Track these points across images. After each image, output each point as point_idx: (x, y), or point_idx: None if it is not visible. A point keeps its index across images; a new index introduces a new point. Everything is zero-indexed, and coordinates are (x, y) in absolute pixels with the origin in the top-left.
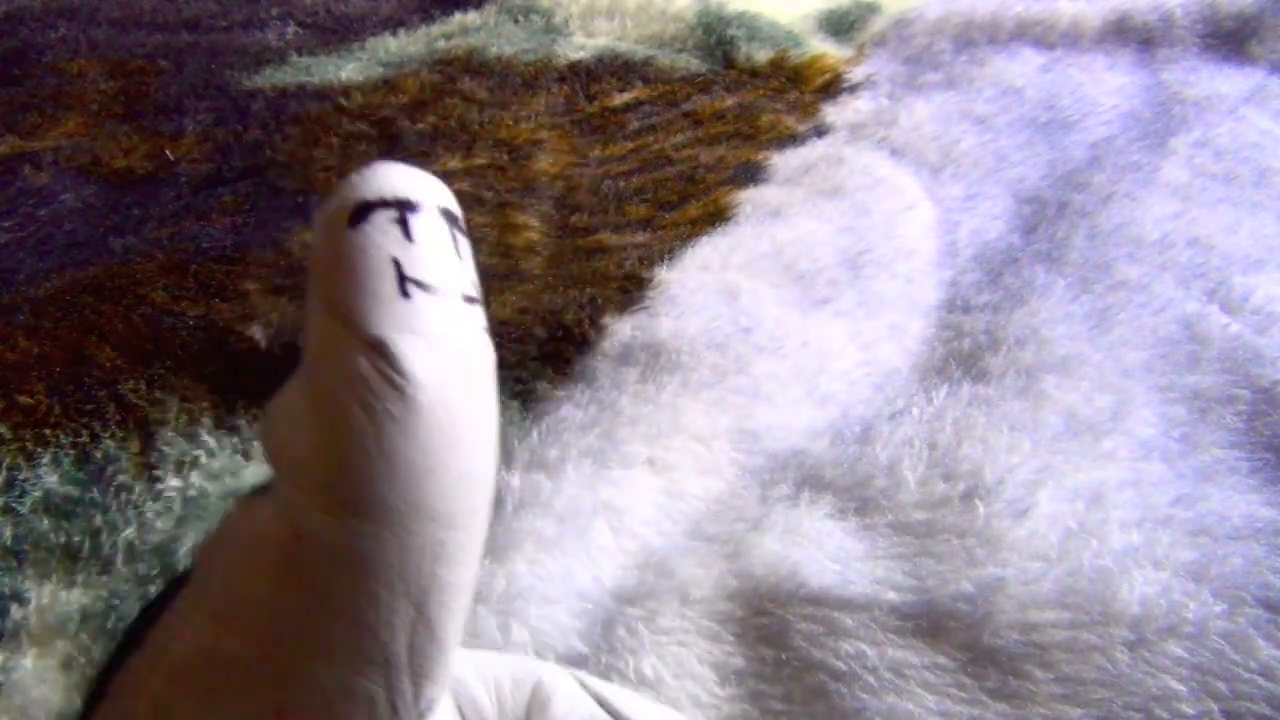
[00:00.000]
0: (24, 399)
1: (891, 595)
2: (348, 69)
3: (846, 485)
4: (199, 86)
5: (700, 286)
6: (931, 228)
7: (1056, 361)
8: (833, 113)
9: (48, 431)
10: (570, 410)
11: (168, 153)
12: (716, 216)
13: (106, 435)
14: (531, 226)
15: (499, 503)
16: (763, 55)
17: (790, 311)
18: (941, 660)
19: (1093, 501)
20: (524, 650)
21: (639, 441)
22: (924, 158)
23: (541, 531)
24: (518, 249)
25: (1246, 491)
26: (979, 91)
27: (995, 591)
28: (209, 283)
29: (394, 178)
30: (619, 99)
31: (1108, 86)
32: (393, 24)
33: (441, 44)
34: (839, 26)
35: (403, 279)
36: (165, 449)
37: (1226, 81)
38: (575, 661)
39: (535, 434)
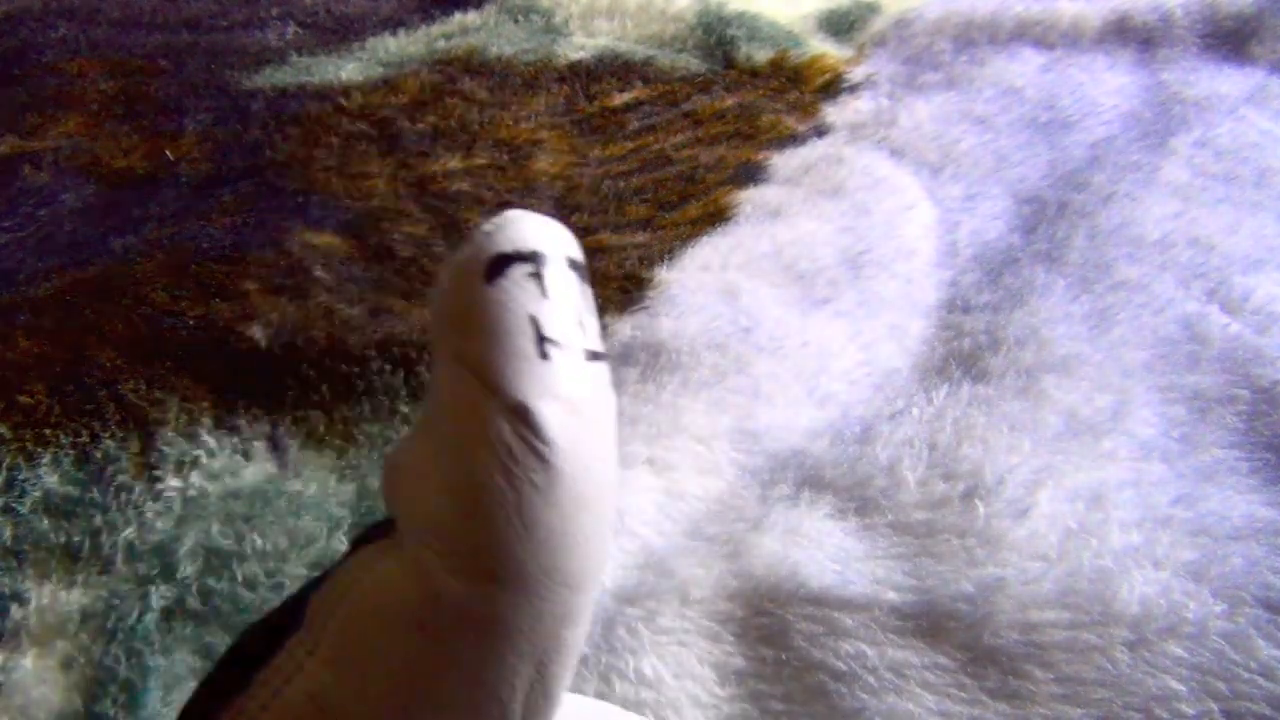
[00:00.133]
0: (24, 399)
1: (891, 595)
2: (348, 69)
3: (846, 485)
4: (199, 86)
5: (700, 286)
6: (931, 228)
7: (1056, 361)
8: (833, 113)
9: (48, 431)
10: None
11: (168, 153)
12: (716, 216)
13: (106, 435)
14: None
15: None
16: (763, 55)
17: (790, 311)
18: (941, 660)
19: (1093, 501)
20: None
21: (639, 441)
22: (924, 158)
23: None
24: None
25: (1246, 491)
26: (979, 91)
27: (995, 591)
28: (209, 283)
29: (527, 229)
30: (619, 99)
31: (1108, 86)
32: (393, 24)
33: (441, 44)
34: (839, 26)
35: (541, 338)
36: (165, 449)
37: (1226, 81)
38: None
39: None
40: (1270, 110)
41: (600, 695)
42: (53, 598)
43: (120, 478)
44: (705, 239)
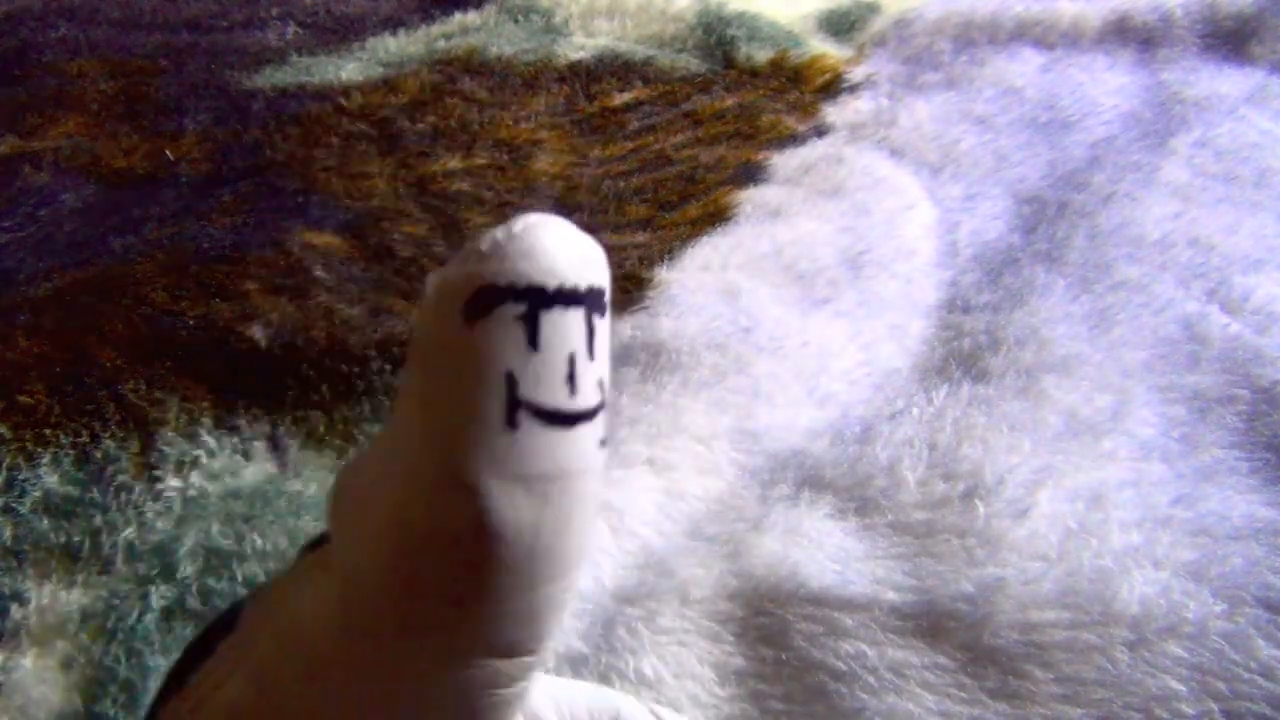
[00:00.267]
0: (24, 399)
1: (891, 595)
2: (348, 69)
3: (846, 485)
4: (199, 86)
5: (700, 286)
6: (931, 228)
7: (1056, 361)
8: (833, 113)
9: (48, 431)
10: None
11: (168, 153)
12: (716, 216)
13: (106, 435)
14: None
15: None
16: (763, 55)
17: (790, 311)
18: (941, 660)
19: (1093, 501)
20: None
21: (639, 441)
22: (924, 158)
23: None
24: None
25: (1246, 491)
26: (979, 91)
27: (995, 591)
28: (209, 283)
29: (535, 251)
30: (619, 99)
31: (1108, 86)
32: (393, 24)
33: (441, 44)
34: (839, 26)
35: (514, 402)
36: (165, 449)
37: (1226, 81)
38: (575, 661)
39: None
40: (1270, 110)
41: None
42: (53, 598)
43: (120, 478)
44: (705, 239)
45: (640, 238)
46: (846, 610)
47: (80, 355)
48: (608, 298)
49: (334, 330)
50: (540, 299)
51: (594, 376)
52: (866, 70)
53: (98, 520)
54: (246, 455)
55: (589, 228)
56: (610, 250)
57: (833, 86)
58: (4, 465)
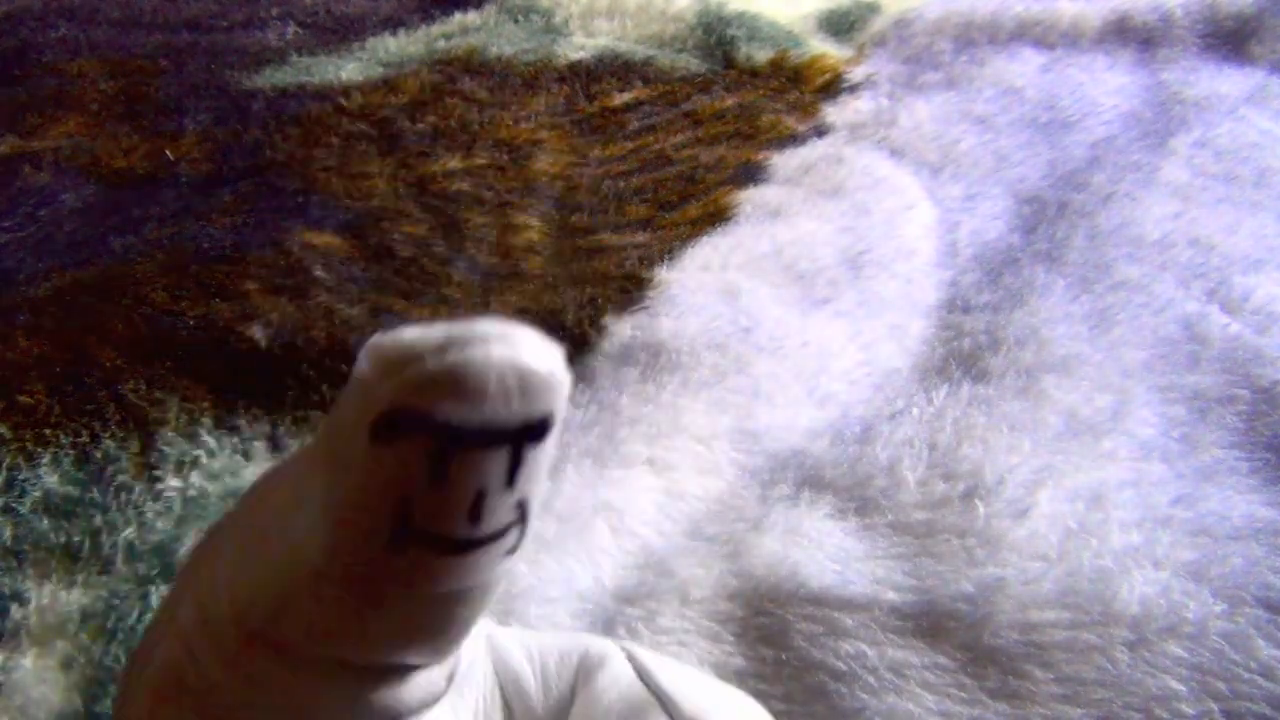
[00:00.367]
0: (24, 399)
1: (891, 595)
2: (348, 69)
3: (846, 485)
4: (199, 86)
5: (700, 286)
6: (931, 228)
7: (1056, 361)
8: (833, 113)
9: (48, 431)
10: (570, 410)
11: (168, 153)
12: (716, 216)
13: (106, 435)
14: (531, 226)
15: None
16: (763, 55)
17: (790, 311)
18: (941, 660)
19: (1093, 501)
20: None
21: (639, 441)
22: (924, 158)
23: (541, 531)
24: (518, 249)
25: (1246, 491)
26: (979, 91)
27: (995, 591)
28: (209, 283)
29: (455, 386)
30: (619, 99)
31: (1108, 86)
32: (393, 24)
33: (441, 44)
34: (839, 26)
35: (403, 530)
36: (165, 449)
37: (1226, 81)
38: None
39: None
40: (1270, 110)
41: None
42: (53, 598)
43: (120, 478)
44: (705, 239)
45: (640, 238)
46: (846, 610)
47: (80, 355)
48: (554, 421)
49: (334, 330)
50: (455, 438)
51: (510, 502)
52: (866, 70)
53: (98, 520)
54: (246, 455)
55: (589, 228)
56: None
57: (833, 86)
58: (4, 465)
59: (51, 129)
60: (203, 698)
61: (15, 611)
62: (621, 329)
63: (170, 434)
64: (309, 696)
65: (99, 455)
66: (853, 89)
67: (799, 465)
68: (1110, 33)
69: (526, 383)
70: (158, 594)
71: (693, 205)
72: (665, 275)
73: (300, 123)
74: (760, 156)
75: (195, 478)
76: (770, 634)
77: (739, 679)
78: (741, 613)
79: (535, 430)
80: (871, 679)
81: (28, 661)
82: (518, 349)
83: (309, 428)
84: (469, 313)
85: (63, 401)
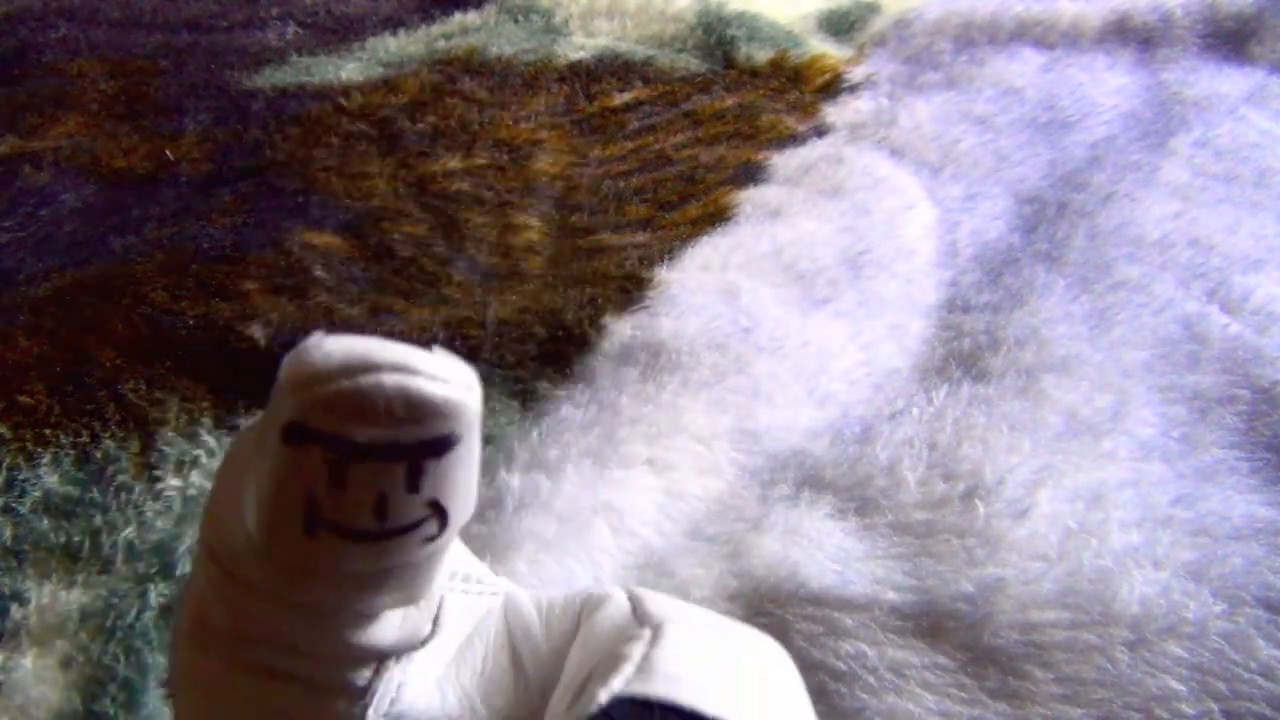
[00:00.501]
0: (24, 399)
1: (891, 595)
2: (348, 69)
3: (846, 485)
4: (199, 86)
5: (700, 286)
6: (931, 228)
7: (1056, 361)
8: (833, 113)
9: (48, 431)
10: (570, 410)
11: (168, 153)
12: (716, 216)
13: (106, 435)
14: (531, 226)
15: (499, 503)
16: (763, 55)
17: (790, 311)
18: (941, 660)
19: (1093, 501)
20: None
21: (639, 441)
22: (924, 158)
23: (541, 531)
24: (518, 249)
25: (1246, 491)
26: (979, 91)
27: (995, 591)
28: (209, 283)
29: (350, 405)
30: (619, 99)
31: (1108, 86)
32: (393, 24)
33: (441, 44)
34: (839, 26)
35: (314, 519)
36: (165, 449)
37: (1226, 81)
38: None
39: (535, 434)
40: (1270, 110)
41: None
42: (53, 597)
43: (120, 478)
44: (705, 239)
45: (640, 238)
46: (846, 610)
47: (80, 355)
48: (454, 440)
49: (334, 330)
50: (349, 450)
51: (418, 501)
52: (866, 70)
53: (98, 520)
54: None
55: (589, 228)
56: (610, 250)
57: (833, 86)
58: (4, 465)
59: (51, 129)
60: (217, 633)
61: (15, 611)
62: (621, 329)
63: (170, 434)
64: (286, 627)
65: (99, 455)
66: (853, 89)
67: (799, 465)
68: (1110, 33)
69: (417, 409)
70: (157, 593)
71: (693, 205)
72: (665, 275)
73: (300, 123)
74: (760, 156)
75: (195, 477)
76: (770, 634)
77: None
78: (741, 613)
79: (431, 447)
80: (871, 679)
81: (28, 661)
82: (411, 377)
83: None
84: (468, 311)
85: (63, 401)
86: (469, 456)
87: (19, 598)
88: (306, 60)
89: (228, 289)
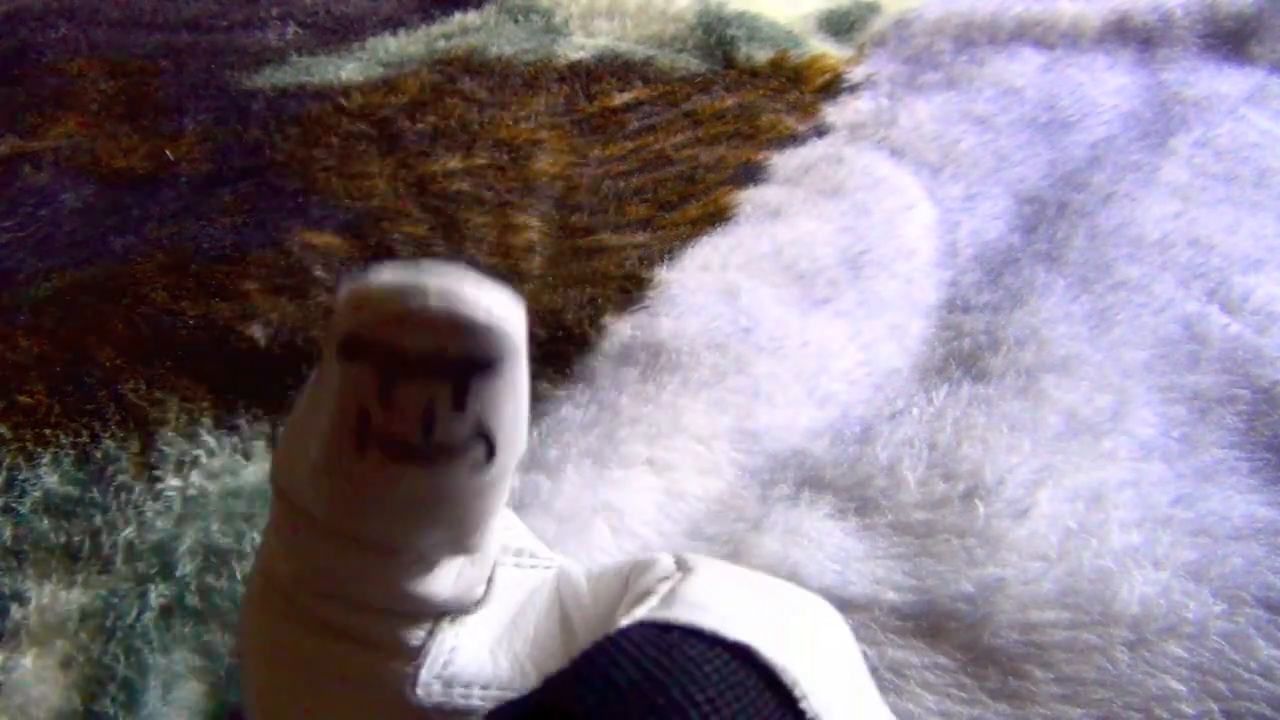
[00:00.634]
0: (24, 399)
1: (891, 595)
2: (348, 69)
3: (846, 485)
4: (199, 86)
5: (700, 286)
6: (931, 228)
7: (1056, 361)
8: (833, 113)
9: (48, 431)
10: (570, 410)
11: (168, 153)
12: (716, 216)
13: (106, 435)
14: (531, 226)
15: None
16: (763, 55)
17: (790, 311)
18: (941, 660)
19: (1093, 501)
20: None
21: (639, 441)
22: (924, 158)
23: (541, 531)
24: (518, 249)
25: (1246, 491)
26: (979, 91)
27: (995, 591)
28: (209, 283)
29: (397, 318)
30: (619, 99)
31: (1108, 86)
32: (393, 24)
33: (441, 44)
34: (839, 26)
35: (365, 434)
36: (165, 449)
37: (1226, 81)
38: None
39: (535, 434)
40: (1270, 110)
41: None
42: (53, 597)
43: (120, 478)
44: (705, 239)
45: (640, 238)
46: (846, 610)
47: (80, 355)
48: (497, 360)
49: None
50: (397, 364)
51: (465, 422)
52: (866, 70)
53: (98, 520)
54: (246, 455)
55: (589, 228)
56: (610, 250)
57: (833, 86)
58: (4, 465)
59: (51, 129)
60: (280, 583)
61: (15, 611)
62: (621, 329)
63: (170, 434)
64: (344, 569)
65: (99, 455)
66: (853, 89)
67: (799, 465)
68: (1110, 33)
69: (463, 325)
70: (157, 593)
71: (693, 205)
72: (665, 275)
73: (300, 123)
74: (760, 156)
75: (195, 477)
76: None
77: None
78: None
79: (476, 365)
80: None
81: (28, 661)
82: (459, 294)
83: None
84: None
85: (63, 401)
86: (515, 387)
87: (19, 598)
88: (306, 60)
89: (228, 289)
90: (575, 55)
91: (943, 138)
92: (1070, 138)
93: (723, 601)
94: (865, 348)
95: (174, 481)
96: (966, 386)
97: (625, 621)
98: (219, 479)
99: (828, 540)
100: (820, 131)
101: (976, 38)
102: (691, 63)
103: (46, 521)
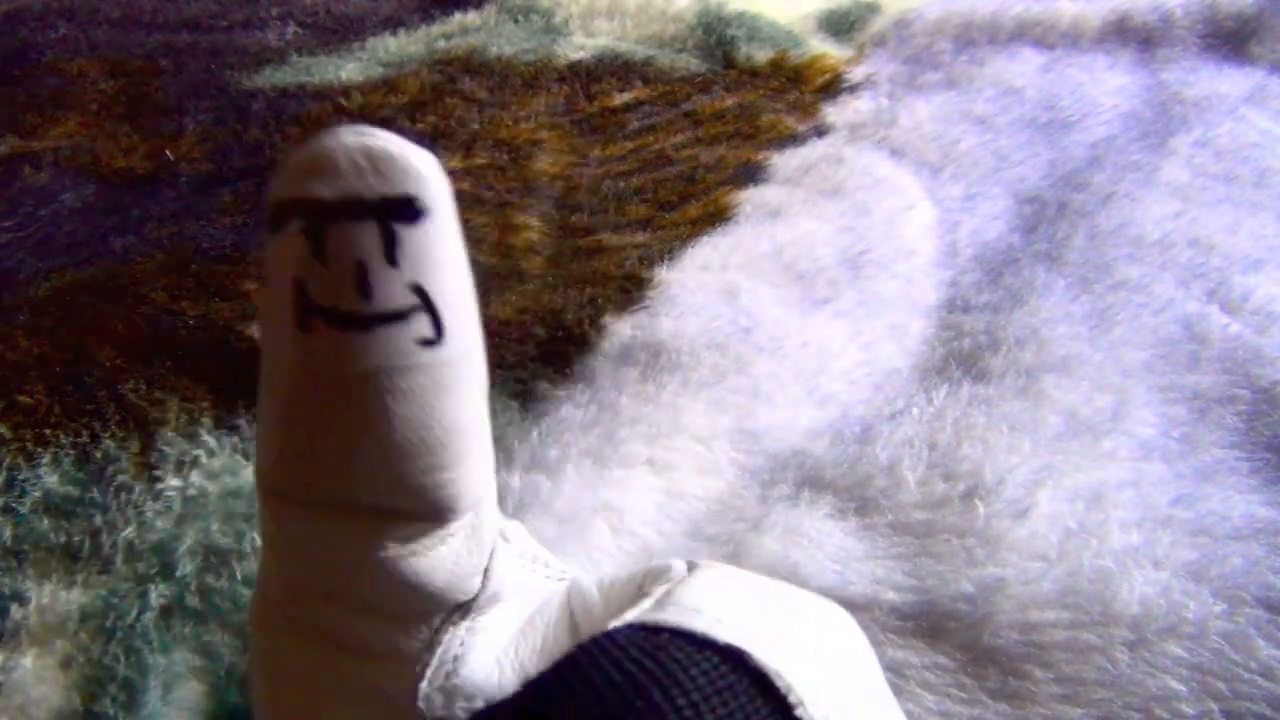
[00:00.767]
0: (24, 399)
1: (891, 595)
2: (348, 69)
3: (846, 485)
4: (199, 86)
5: (700, 286)
6: (931, 228)
7: (1056, 361)
8: (833, 113)
9: (48, 431)
10: (570, 410)
11: (168, 153)
12: (716, 216)
13: (106, 435)
14: (531, 226)
15: (499, 503)
16: (763, 55)
17: (790, 311)
18: (941, 660)
19: (1093, 501)
20: None
21: (639, 441)
22: (924, 158)
23: (541, 532)
24: (518, 249)
25: (1246, 491)
26: (979, 91)
27: (995, 591)
28: (209, 283)
29: (315, 168)
30: (619, 99)
31: (1108, 86)
32: (393, 24)
33: (441, 44)
34: (839, 26)
35: (306, 307)
36: (165, 449)
37: (1226, 81)
38: None
39: (535, 434)
40: (1270, 110)
41: None
42: (53, 597)
43: (120, 478)
44: (705, 239)
45: (640, 238)
46: (846, 610)
47: (80, 355)
48: (424, 203)
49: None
50: (322, 212)
51: (401, 282)
52: (866, 70)
53: (98, 520)
54: (246, 455)
55: (589, 228)
56: (610, 250)
57: (833, 86)
58: (4, 465)
59: (51, 129)
60: (273, 596)
61: (15, 611)
62: (621, 329)
63: (170, 434)
64: (331, 552)
65: (99, 455)
66: (853, 89)
67: (799, 465)
68: (1110, 33)
69: (376, 161)
70: (157, 593)
71: (693, 205)
72: (665, 275)
73: (300, 123)
74: (760, 156)
75: (195, 477)
76: None
77: None
78: None
79: (400, 207)
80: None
81: (28, 661)
82: (370, 136)
83: None
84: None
85: (63, 401)
86: (449, 248)
87: (19, 598)
88: (306, 60)
89: (228, 289)
90: (575, 55)
91: (943, 138)
92: (1070, 138)
93: (718, 604)
94: (865, 348)
95: (174, 481)
96: (966, 386)
97: (614, 624)
98: (219, 479)
99: (828, 540)
100: (820, 131)
101: (976, 38)
102: (691, 63)
103: (46, 521)
